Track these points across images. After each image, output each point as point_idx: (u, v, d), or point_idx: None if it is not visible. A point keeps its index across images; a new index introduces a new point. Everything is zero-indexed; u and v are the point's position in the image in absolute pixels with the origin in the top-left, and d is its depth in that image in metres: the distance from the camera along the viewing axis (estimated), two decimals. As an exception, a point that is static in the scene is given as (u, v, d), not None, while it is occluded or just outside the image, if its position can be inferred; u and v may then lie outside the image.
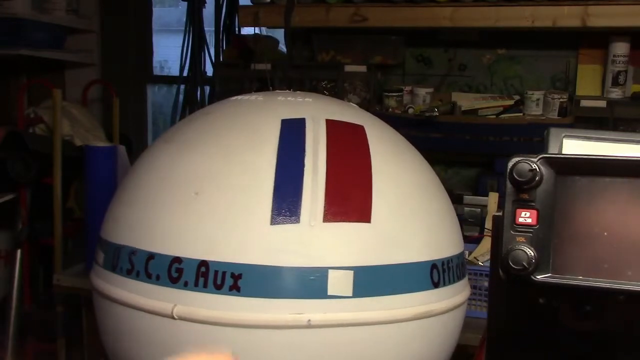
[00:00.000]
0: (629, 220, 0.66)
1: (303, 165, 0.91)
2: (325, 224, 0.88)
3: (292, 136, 0.95)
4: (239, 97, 1.12)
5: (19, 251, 2.51)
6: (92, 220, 2.02)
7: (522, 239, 0.67)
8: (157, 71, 3.91)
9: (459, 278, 1.03)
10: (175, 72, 3.43)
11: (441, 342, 1.02)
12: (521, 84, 2.73)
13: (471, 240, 1.86)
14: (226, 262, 0.87)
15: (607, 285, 0.65)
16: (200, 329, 0.87)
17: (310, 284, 0.86)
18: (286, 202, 0.89)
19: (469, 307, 1.14)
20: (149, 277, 0.91)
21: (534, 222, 0.67)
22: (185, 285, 0.88)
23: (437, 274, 0.95)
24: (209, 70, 3.26)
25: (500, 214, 0.70)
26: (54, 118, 2.25)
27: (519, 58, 2.74)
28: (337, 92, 2.66)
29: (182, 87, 3.27)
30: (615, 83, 2.49)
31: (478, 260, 1.78)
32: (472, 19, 2.41)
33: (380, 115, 1.19)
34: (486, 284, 1.66)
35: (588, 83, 2.62)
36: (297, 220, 0.88)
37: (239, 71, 2.79)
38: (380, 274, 0.90)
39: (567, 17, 2.31)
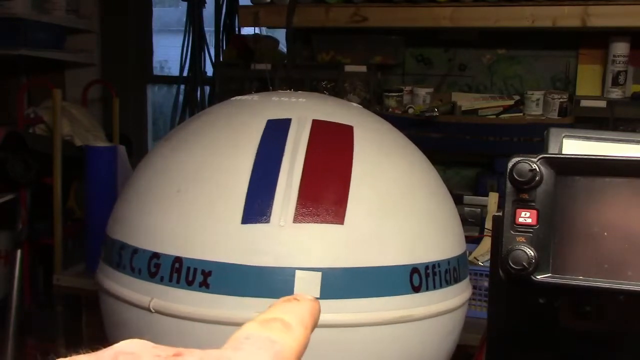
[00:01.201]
0: (629, 220, 0.66)
1: (279, 166, 0.92)
2: (296, 224, 0.88)
3: (274, 136, 0.96)
4: (237, 97, 1.13)
5: (19, 251, 2.51)
6: (92, 220, 2.02)
7: (522, 239, 0.67)
8: (157, 71, 3.91)
9: (450, 283, 1.00)
10: (175, 72, 3.43)
11: (427, 348, 0.99)
12: (521, 84, 2.73)
13: (471, 240, 1.86)
14: (198, 259, 0.89)
15: (607, 285, 0.65)
16: (173, 323, 0.90)
17: (277, 283, 0.86)
18: (258, 201, 0.90)
19: (468, 307, 1.12)
20: (132, 270, 0.95)
21: (534, 222, 0.67)
22: (162, 280, 0.91)
23: (418, 278, 0.94)
24: (209, 70, 3.27)
25: (500, 214, 0.70)
26: (54, 118, 2.25)
27: (519, 58, 2.74)
28: (337, 92, 2.66)
29: (182, 87, 3.27)
30: (615, 83, 2.49)
31: (478, 260, 1.78)
32: (472, 19, 2.41)
33: (380, 115, 1.19)
34: (486, 284, 1.66)
35: (588, 83, 2.62)
36: (268, 220, 0.88)
37: (239, 71, 2.79)
38: (352, 276, 0.89)
39: (567, 17, 2.31)
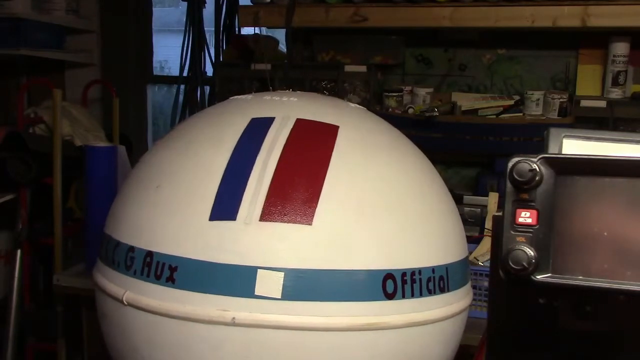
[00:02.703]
0: (629, 220, 0.66)
1: (253, 164, 0.92)
2: (261, 223, 0.88)
3: (253, 135, 0.96)
4: (234, 97, 1.13)
5: (19, 251, 2.51)
6: (92, 220, 2.02)
7: (522, 239, 0.67)
8: (157, 71, 3.91)
9: (434, 293, 0.95)
10: (175, 72, 3.43)
11: (405, 358, 0.95)
12: (521, 84, 2.73)
13: (471, 241, 1.86)
14: (166, 254, 0.90)
15: (607, 285, 0.65)
16: (143, 316, 0.91)
17: (238, 282, 0.86)
18: (227, 199, 0.90)
19: (468, 307, 1.10)
20: (113, 263, 0.97)
21: (534, 222, 0.67)
22: (135, 274, 0.92)
23: (392, 284, 0.90)
24: (209, 70, 3.26)
25: (500, 214, 0.70)
26: (54, 118, 2.25)
27: (519, 58, 2.74)
28: (337, 92, 2.66)
29: (182, 87, 3.27)
30: (615, 83, 2.49)
31: (478, 261, 1.78)
32: (472, 19, 2.41)
33: (380, 115, 1.17)
34: (486, 284, 1.66)
35: (588, 83, 2.62)
36: (234, 218, 0.88)
37: (239, 71, 2.79)
38: (318, 278, 0.87)
39: (567, 17, 2.31)
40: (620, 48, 2.48)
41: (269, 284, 0.86)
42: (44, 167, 2.35)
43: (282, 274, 0.86)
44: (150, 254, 0.91)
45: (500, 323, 0.77)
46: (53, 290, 2.23)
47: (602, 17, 2.28)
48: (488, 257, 1.74)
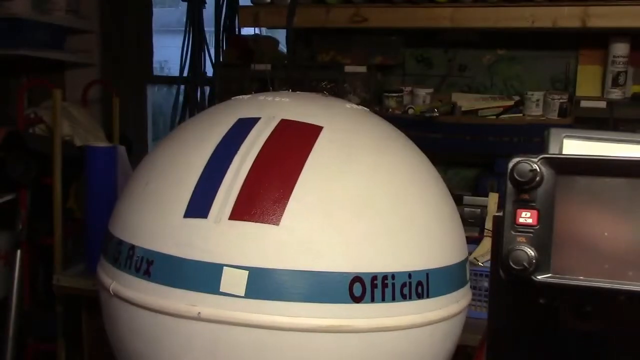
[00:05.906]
0: (629, 221, 0.66)
1: (229, 164, 0.94)
2: (231, 221, 0.89)
3: (235, 134, 0.98)
4: (236, 97, 1.15)
5: (18, 251, 2.51)
6: (92, 220, 2.02)
7: (522, 239, 0.67)
8: (157, 71, 3.91)
9: (409, 298, 0.92)
10: (175, 72, 3.43)
11: None
12: (521, 84, 2.73)
13: (471, 241, 1.86)
14: (145, 248, 0.93)
15: (607, 285, 0.65)
16: (124, 307, 0.95)
17: (205, 278, 0.88)
18: (201, 197, 0.92)
19: (469, 307, 1.08)
20: (106, 256, 1.02)
21: (535, 222, 0.67)
22: (120, 266, 0.97)
23: (360, 288, 0.89)
24: (209, 70, 3.27)
25: (500, 214, 0.70)
26: (54, 118, 2.25)
27: (519, 58, 2.74)
28: (337, 93, 2.66)
29: (182, 87, 3.27)
30: (615, 83, 2.49)
31: (478, 261, 1.78)
32: (472, 19, 2.41)
33: (382, 116, 1.16)
34: (486, 284, 1.66)
35: (588, 83, 2.62)
36: (205, 216, 0.90)
37: (239, 71, 2.79)
38: (281, 278, 0.87)
39: (567, 17, 2.32)
40: (620, 48, 2.48)
41: (234, 281, 0.87)
42: (44, 167, 2.35)
43: (246, 272, 0.87)
44: (132, 247, 0.95)
45: (500, 323, 0.77)
46: (53, 291, 2.23)
47: (602, 18, 2.29)
48: (488, 257, 1.74)
